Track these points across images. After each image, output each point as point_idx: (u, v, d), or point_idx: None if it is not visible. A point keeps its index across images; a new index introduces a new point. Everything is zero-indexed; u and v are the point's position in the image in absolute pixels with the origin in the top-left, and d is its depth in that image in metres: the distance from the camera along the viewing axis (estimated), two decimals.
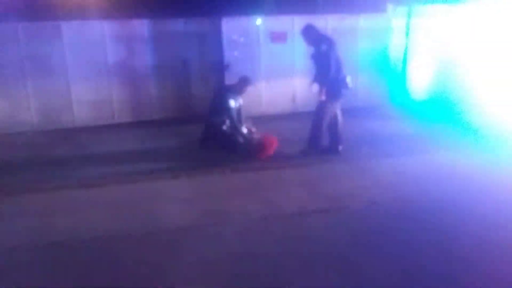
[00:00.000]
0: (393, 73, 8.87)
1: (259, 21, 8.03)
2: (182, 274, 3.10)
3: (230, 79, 7.46)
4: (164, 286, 2.96)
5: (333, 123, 5.59)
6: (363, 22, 8.45)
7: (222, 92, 6.28)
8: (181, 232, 3.70)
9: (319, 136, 5.55)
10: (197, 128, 6.44)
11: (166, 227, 3.82)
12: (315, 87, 5.41)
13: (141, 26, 7.73)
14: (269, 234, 3.66)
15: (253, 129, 6.16)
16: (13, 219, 4.11)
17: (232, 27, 7.93)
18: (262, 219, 3.94)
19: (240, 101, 6.21)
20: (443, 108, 7.84)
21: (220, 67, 7.90)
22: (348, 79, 5.37)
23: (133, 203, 4.38)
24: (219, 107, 6.08)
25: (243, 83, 6.20)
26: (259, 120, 6.67)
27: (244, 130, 6.04)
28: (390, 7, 8.59)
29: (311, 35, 5.44)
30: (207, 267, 3.16)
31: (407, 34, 8.55)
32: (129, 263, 3.26)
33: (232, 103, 6.04)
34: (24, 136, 7.21)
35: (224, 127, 6.03)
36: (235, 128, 6.01)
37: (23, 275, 3.13)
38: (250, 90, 6.31)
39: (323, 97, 5.30)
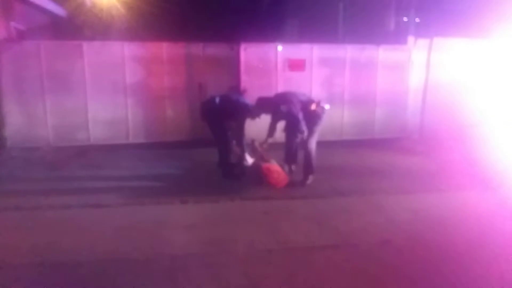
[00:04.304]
0: (412, 106, 8.68)
1: (278, 48, 8.03)
2: None
3: None
4: None
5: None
6: (383, 53, 8.36)
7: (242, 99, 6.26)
8: (184, 259, 3.58)
9: (312, 162, 5.77)
10: (209, 152, 6.37)
11: (169, 253, 3.71)
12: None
13: (160, 49, 7.81)
14: (273, 267, 3.50)
15: (266, 157, 6.03)
16: (18, 236, 4.06)
17: (250, 53, 7.95)
18: (267, 251, 3.78)
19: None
20: (461, 143, 7.61)
21: (237, 92, 7.86)
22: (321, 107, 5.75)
23: (138, 226, 4.29)
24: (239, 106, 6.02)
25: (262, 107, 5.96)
26: (273, 148, 6.55)
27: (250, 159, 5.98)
28: (411, 39, 8.51)
29: (265, 103, 5.80)
30: None
31: (427, 66, 8.42)
32: None
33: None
34: (38, 151, 7.25)
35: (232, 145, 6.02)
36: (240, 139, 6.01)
37: None
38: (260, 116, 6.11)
39: (306, 134, 5.61)
